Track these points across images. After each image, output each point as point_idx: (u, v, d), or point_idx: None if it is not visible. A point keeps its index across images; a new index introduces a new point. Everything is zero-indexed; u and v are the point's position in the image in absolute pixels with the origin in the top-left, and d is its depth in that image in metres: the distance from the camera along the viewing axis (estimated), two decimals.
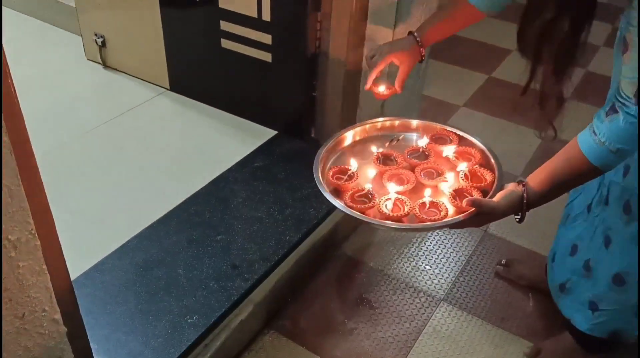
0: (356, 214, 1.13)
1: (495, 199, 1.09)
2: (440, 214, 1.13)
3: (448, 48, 2.91)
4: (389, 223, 1.13)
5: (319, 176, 1.22)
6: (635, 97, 0.93)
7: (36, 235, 0.79)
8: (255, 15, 1.69)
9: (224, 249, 1.40)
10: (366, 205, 1.15)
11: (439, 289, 1.60)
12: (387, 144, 1.35)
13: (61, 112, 1.97)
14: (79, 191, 1.63)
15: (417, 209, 1.15)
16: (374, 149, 1.32)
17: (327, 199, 1.17)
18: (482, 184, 1.20)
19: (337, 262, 1.65)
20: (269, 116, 1.88)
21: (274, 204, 1.55)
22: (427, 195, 1.19)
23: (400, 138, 1.37)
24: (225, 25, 1.77)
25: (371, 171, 1.28)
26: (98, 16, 2.10)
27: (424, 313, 1.53)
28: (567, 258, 1.33)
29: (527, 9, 1.06)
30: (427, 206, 1.16)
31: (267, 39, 1.71)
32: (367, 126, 1.38)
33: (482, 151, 1.30)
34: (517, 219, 1.10)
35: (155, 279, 1.32)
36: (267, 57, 1.75)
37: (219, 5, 1.74)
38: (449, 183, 1.23)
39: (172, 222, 1.49)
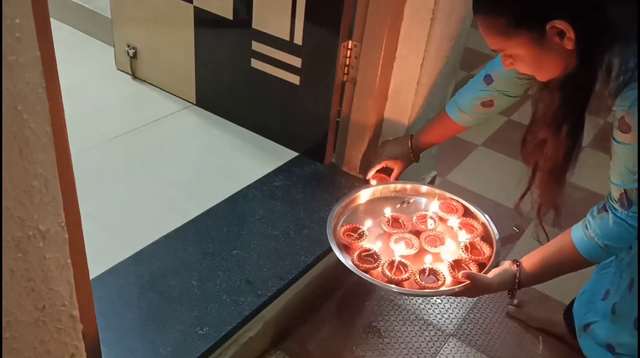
0: (362, 274, 1.26)
1: (489, 275, 1.21)
2: (438, 282, 1.25)
3: None
4: (390, 286, 1.25)
5: (331, 232, 1.35)
6: (619, 201, 1.04)
7: (65, 228, 0.80)
8: (287, 38, 1.72)
9: (238, 264, 1.40)
10: (371, 265, 1.28)
11: (449, 324, 1.58)
12: (397, 205, 1.51)
13: (86, 118, 2.00)
14: (98, 197, 1.64)
15: (417, 275, 1.26)
16: (386, 211, 1.45)
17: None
18: (480, 258, 1.31)
19: (348, 288, 1.64)
20: (292, 138, 1.90)
21: (291, 224, 1.56)
22: (427, 262, 1.31)
23: (411, 201, 1.54)
24: (256, 46, 1.81)
25: (380, 232, 1.42)
26: (132, 28, 2.15)
27: (432, 347, 1.51)
28: (599, 302, 1.33)
29: (531, 123, 1.20)
30: (427, 273, 1.27)
31: (297, 62, 1.74)
32: (381, 187, 1.54)
33: (484, 225, 1.42)
34: (509, 296, 1.22)
35: (169, 288, 1.31)
36: (295, 79, 1.78)
37: (253, 26, 1.78)
38: (449, 252, 1.35)
39: (188, 233, 1.50)
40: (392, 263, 1.29)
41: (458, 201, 1.50)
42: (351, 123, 1.75)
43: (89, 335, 0.94)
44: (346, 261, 1.29)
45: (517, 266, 1.20)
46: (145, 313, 1.24)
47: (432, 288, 1.24)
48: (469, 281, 1.20)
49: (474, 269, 1.28)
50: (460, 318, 1.61)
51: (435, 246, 1.36)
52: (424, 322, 1.57)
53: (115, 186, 1.71)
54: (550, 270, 1.18)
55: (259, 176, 1.76)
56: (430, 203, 1.52)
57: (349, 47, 1.65)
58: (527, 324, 1.61)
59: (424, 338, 1.53)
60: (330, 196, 1.69)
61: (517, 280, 1.19)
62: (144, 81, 2.22)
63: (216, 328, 1.22)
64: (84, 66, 2.35)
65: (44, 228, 0.76)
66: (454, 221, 1.44)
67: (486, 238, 1.39)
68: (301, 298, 1.46)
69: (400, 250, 1.34)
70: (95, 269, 1.34)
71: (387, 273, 1.26)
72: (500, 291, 1.23)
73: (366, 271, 1.27)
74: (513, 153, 2.40)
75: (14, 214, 0.70)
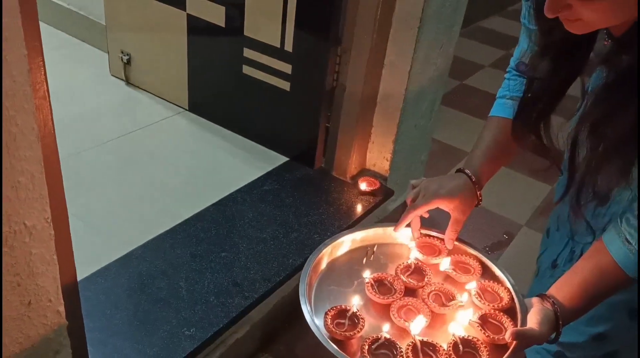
0: None
1: (535, 326, 0.94)
2: (482, 355, 0.93)
3: (462, 97, 2.97)
4: None
5: (321, 333, 0.92)
6: None
7: (51, 224, 0.81)
8: (278, 45, 1.75)
9: (226, 266, 1.41)
10: None
11: None
12: (364, 260, 1.11)
13: (80, 122, 2.02)
14: (89, 199, 1.65)
15: (453, 354, 0.94)
16: (366, 275, 1.04)
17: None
18: (503, 304, 1.03)
19: None
20: (282, 143, 1.92)
21: (280, 227, 1.57)
22: (451, 331, 0.97)
23: (375, 249, 1.14)
24: (248, 53, 1.83)
25: (364, 302, 1.00)
26: (126, 35, 2.18)
27: None
28: None
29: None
30: (461, 347, 0.95)
31: (287, 68, 1.77)
32: (330, 246, 1.08)
33: (477, 258, 1.10)
34: (552, 340, 0.96)
35: (157, 289, 1.32)
36: (285, 86, 1.80)
37: (244, 34, 1.81)
38: (466, 309, 1.02)
39: (178, 236, 1.51)
40: (414, 348, 0.93)
41: (431, 236, 1.13)
42: (340, 129, 1.77)
43: (75, 333, 0.95)
44: None
45: (553, 303, 0.96)
46: (132, 314, 1.25)
47: None
48: (516, 342, 0.92)
49: (506, 321, 1.00)
50: None
51: (445, 306, 1.02)
52: None
53: (106, 188, 1.72)
54: (594, 298, 0.96)
55: (250, 180, 1.77)
56: (403, 247, 1.14)
57: (338, 53, 1.68)
58: None
59: None
60: (319, 201, 1.71)
61: (560, 321, 0.95)
62: (138, 86, 2.24)
63: (203, 329, 1.23)
64: (78, 71, 2.37)
65: (29, 224, 0.78)
66: (446, 264, 1.09)
67: (486, 273, 1.09)
68: (289, 302, 1.47)
69: (416, 326, 0.96)
70: (84, 270, 1.35)
71: None
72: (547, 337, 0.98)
73: None
74: None
75: None
